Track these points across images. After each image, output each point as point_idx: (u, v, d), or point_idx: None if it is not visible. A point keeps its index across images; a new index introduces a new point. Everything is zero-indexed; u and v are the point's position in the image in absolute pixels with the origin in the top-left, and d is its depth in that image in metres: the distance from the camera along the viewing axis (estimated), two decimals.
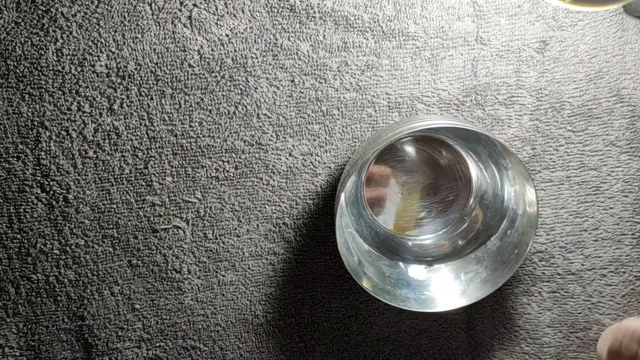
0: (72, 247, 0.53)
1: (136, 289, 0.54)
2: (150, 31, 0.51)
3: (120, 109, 0.52)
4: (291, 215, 0.54)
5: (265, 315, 0.55)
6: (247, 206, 0.54)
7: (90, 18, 0.51)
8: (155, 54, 0.52)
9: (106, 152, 0.52)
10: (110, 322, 0.54)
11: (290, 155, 0.54)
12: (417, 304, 0.50)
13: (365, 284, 0.49)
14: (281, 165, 0.54)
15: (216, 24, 0.52)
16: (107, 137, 0.52)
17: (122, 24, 0.51)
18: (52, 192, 0.52)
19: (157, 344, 0.55)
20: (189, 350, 0.55)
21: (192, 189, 0.53)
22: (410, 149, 0.54)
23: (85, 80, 0.51)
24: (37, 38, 0.51)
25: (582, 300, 0.57)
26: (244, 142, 0.53)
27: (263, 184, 0.54)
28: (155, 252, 0.53)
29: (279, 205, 0.54)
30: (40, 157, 0.52)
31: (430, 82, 0.54)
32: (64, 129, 0.52)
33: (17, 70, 0.51)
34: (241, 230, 0.54)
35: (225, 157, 0.53)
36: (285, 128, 0.53)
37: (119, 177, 0.53)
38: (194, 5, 0.52)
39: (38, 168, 0.52)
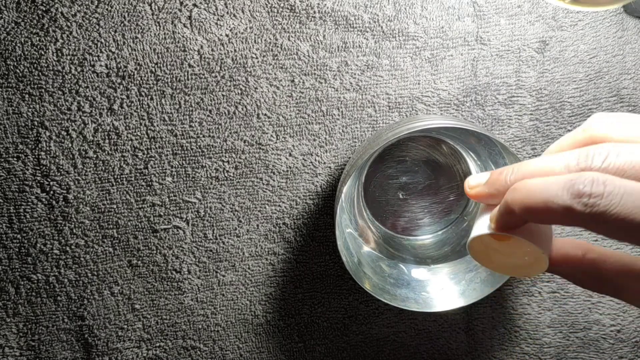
0: (72, 247, 0.53)
1: (136, 289, 0.54)
2: (150, 31, 0.51)
3: (120, 109, 0.52)
4: (291, 215, 0.54)
5: (265, 315, 0.55)
6: (247, 206, 0.54)
7: (90, 18, 0.51)
8: (155, 54, 0.52)
9: (106, 152, 0.52)
10: (110, 322, 0.54)
11: (290, 155, 0.54)
12: (416, 304, 0.50)
13: (365, 284, 0.49)
14: (281, 165, 0.54)
15: (216, 24, 0.52)
16: (107, 137, 0.52)
17: (122, 24, 0.51)
18: (52, 192, 0.52)
19: (157, 344, 0.55)
20: (189, 350, 0.55)
21: (192, 189, 0.53)
22: (410, 149, 0.54)
23: (85, 80, 0.51)
24: (37, 38, 0.51)
25: (582, 300, 0.57)
26: (244, 142, 0.53)
27: (263, 184, 0.54)
28: (155, 252, 0.53)
29: (279, 205, 0.54)
30: (40, 157, 0.52)
31: (430, 82, 0.54)
32: (64, 129, 0.52)
33: (17, 70, 0.51)
34: (241, 230, 0.54)
35: (225, 157, 0.53)
36: (285, 128, 0.53)
37: (119, 177, 0.53)
38: (194, 5, 0.52)
39: (38, 168, 0.52)
